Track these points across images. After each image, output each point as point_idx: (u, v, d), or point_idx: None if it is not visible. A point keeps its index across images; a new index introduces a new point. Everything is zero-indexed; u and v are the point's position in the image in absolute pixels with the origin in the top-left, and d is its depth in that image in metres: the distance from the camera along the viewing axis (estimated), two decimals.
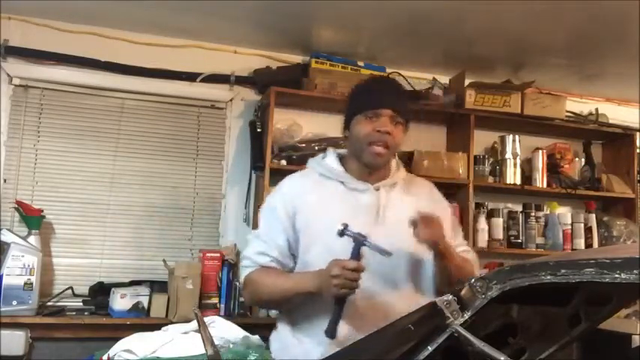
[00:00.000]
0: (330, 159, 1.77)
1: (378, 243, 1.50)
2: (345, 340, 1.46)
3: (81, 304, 2.98)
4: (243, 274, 1.73)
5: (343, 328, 1.52)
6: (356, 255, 1.49)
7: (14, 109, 3.08)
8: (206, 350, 1.28)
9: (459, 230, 1.89)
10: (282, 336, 1.70)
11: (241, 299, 3.00)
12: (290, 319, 1.69)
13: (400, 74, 3.57)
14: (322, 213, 1.65)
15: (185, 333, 2.24)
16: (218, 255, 3.05)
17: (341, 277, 1.45)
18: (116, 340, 2.21)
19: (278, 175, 3.15)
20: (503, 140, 3.63)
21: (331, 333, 1.48)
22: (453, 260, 1.63)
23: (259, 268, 1.68)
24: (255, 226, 3.21)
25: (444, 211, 1.78)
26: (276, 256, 1.67)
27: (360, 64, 3.41)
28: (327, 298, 1.50)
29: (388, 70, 3.50)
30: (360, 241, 1.49)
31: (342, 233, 1.51)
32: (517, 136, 3.62)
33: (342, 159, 1.77)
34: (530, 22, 2.90)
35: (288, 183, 1.78)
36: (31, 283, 2.73)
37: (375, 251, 1.50)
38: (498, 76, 3.61)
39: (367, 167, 1.69)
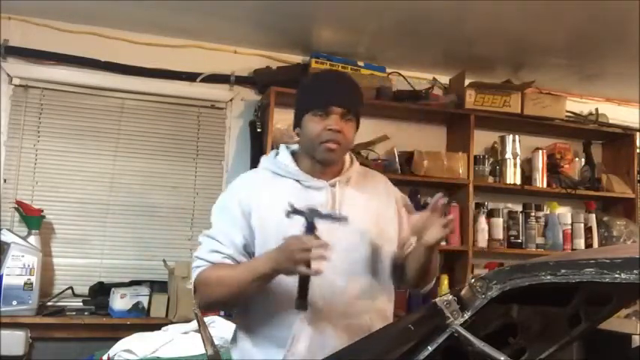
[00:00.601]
0: (283, 156, 1.73)
1: (336, 241, 1.48)
2: (308, 332, 1.49)
3: (81, 304, 2.99)
4: (194, 276, 1.63)
5: (303, 322, 1.51)
6: (310, 229, 1.46)
7: (14, 109, 3.08)
8: (206, 350, 1.28)
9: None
10: (243, 347, 1.64)
11: None
12: (247, 328, 1.64)
13: (400, 74, 3.58)
14: (276, 211, 1.57)
15: (185, 333, 2.24)
16: None
17: (295, 244, 1.42)
18: (116, 340, 2.21)
19: None
20: (503, 140, 3.63)
21: (302, 305, 1.45)
22: (436, 252, 1.63)
23: (210, 266, 1.61)
24: None
25: (397, 203, 1.76)
26: (231, 253, 1.61)
27: (360, 64, 3.41)
28: (288, 275, 1.46)
29: (388, 70, 3.51)
30: (312, 213, 1.47)
31: (292, 211, 1.47)
32: (517, 136, 3.62)
33: (294, 155, 1.74)
34: (530, 22, 2.90)
35: (241, 182, 1.74)
36: (31, 283, 2.74)
37: (329, 220, 1.48)
38: (498, 76, 3.61)
39: (320, 164, 1.67)
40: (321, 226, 1.50)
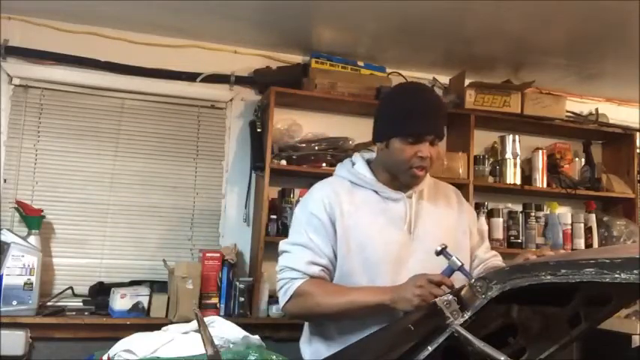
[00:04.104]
0: (360, 166, 1.75)
1: (414, 252, 1.56)
2: None
3: (81, 304, 2.98)
4: (292, 285, 1.63)
5: None
6: (448, 274, 1.48)
7: (14, 109, 3.08)
8: (206, 350, 1.28)
9: (485, 233, 1.89)
10: (317, 349, 1.68)
11: (241, 299, 3.00)
12: (323, 334, 1.68)
13: (400, 74, 3.58)
14: (359, 221, 1.64)
15: (185, 333, 2.23)
16: (218, 255, 3.04)
17: (425, 288, 1.41)
18: (116, 340, 2.20)
19: (278, 175, 3.17)
20: (503, 140, 3.63)
21: None
22: None
23: (311, 280, 1.62)
24: (256, 225, 3.22)
25: (470, 215, 1.81)
26: (326, 264, 1.64)
27: (360, 64, 3.41)
28: (399, 310, 1.47)
29: (388, 70, 3.51)
30: (457, 265, 1.48)
31: (439, 253, 1.49)
32: (517, 136, 3.62)
33: (369, 163, 1.76)
34: (530, 22, 2.89)
35: (326, 190, 1.73)
36: (31, 283, 2.73)
37: (464, 275, 1.48)
38: (498, 76, 3.61)
39: (403, 184, 1.69)
40: (399, 238, 1.58)
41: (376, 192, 1.70)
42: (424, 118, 1.63)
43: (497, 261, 1.80)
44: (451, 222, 1.74)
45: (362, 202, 1.67)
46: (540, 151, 3.66)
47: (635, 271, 0.94)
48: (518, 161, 3.59)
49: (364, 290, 1.57)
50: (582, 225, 3.65)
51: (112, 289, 2.92)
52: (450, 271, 1.47)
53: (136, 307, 2.84)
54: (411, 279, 1.47)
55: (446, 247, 1.49)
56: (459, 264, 1.47)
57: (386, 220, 1.66)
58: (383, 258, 1.60)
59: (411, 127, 1.62)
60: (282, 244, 1.73)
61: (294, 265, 1.65)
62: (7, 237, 2.78)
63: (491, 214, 3.52)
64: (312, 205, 1.70)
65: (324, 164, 3.22)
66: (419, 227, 1.67)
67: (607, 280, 0.97)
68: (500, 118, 3.53)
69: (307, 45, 3.34)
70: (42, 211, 2.94)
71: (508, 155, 3.58)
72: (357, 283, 1.61)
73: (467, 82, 3.47)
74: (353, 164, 1.78)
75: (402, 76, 3.57)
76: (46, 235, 3.01)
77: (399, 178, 1.68)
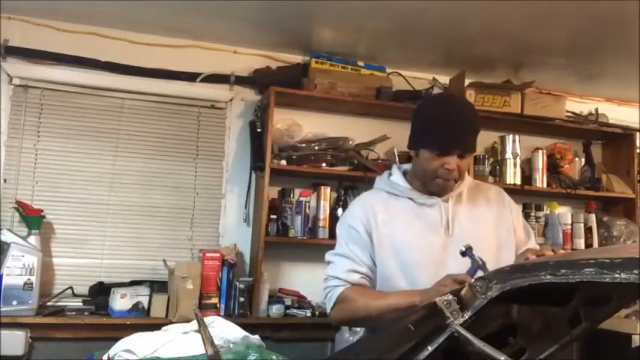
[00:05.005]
0: (396, 177, 1.81)
1: (451, 253, 1.59)
2: None
3: (81, 304, 2.98)
4: (334, 293, 1.72)
5: None
6: (471, 274, 1.52)
7: (14, 109, 3.08)
8: (206, 350, 1.28)
9: (530, 230, 1.90)
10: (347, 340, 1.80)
11: (241, 299, 3.00)
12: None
13: (400, 74, 3.58)
14: (395, 228, 1.71)
15: (185, 333, 2.23)
16: (218, 255, 3.05)
17: (449, 287, 1.44)
18: (116, 340, 2.20)
19: (278, 175, 3.17)
20: (503, 140, 3.63)
21: None
22: None
23: (352, 287, 1.70)
24: (256, 225, 3.22)
25: (512, 213, 1.81)
26: (365, 272, 1.72)
27: (360, 64, 3.42)
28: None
29: (388, 70, 3.51)
30: (478, 264, 1.51)
31: (463, 253, 1.54)
32: (517, 136, 3.62)
33: (405, 174, 1.82)
34: (530, 22, 2.90)
35: (361, 203, 1.82)
36: (31, 283, 2.73)
37: (483, 270, 1.52)
38: (498, 76, 3.61)
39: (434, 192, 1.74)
40: (436, 241, 1.64)
41: (412, 199, 1.75)
42: (452, 130, 1.64)
43: None
44: (490, 221, 1.76)
45: (398, 210, 1.74)
46: (540, 151, 3.66)
47: (635, 271, 0.94)
48: (518, 161, 3.59)
49: (399, 294, 1.63)
50: (582, 225, 3.65)
51: (112, 289, 2.92)
52: (473, 270, 1.51)
53: (136, 307, 2.85)
54: (439, 280, 1.51)
55: (470, 247, 1.53)
56: (480, 263, 1.50)
57: (423, 225, 1.71)
58: (420, 260, 1.65)
59: (437, 139, 1.65)
60: (327, 255, 1.83)
61: (335, 273, 1.74)
62: (7, 237, 2.78)
63: None
64: (350, 219, 1.79)
65: (324, 164, 3.22)
66: (457, 229, 1.70)
67: (607, 280, 0.97)
68: (500, 118, 3.53)
69: (307, 45, 3.34)
70: (42, 211, 2.95)
71: (508, 155, 3.58)
72: (397, 286, 1.67)
73: (467, 82, 3.47)
74: (390, 175, 1.84)
75: (402, 76, 3.57)
76: (46, 235, 3.01)
77: (428, 188, 1.73)
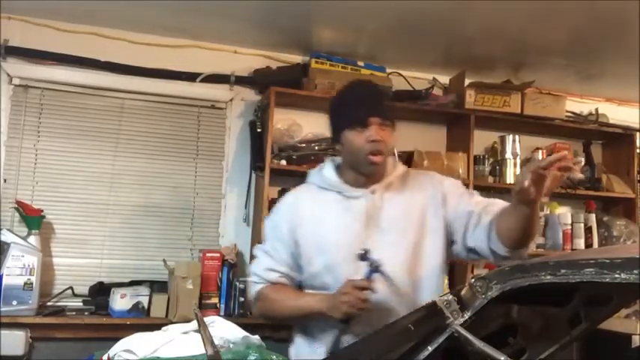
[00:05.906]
0: (327, 170, 1.80)
1: (376, 246, 1.57)
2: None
3: (81, 304, 2.98)
4: (253, 289, 1.77)
5: (344, 332, 1.57)
6: (369, 277, 1.53)
7: (14, 109, 3.08)
8: (206, 350, 1.28)
9: (474, 192, 1.82)
10: (300, 348, 1.75)
11: (241, 299, 3.00)
12: (304, 332, 1.74)
13: (400, 74, 3.58)
14: (320, 224, 1.70)
15: (185, 333, 2.23)
16: (218, 255, 3.05)
17: (350, 295, 1.49)
18: (116, 340, 2.20)
19: (278, 175, 3.17)
20: (503, 140, 3.63)
21: (345, 327, 1.55)
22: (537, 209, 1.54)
23: (270, 285, 1.73)
24: (256, 225, 3.22)
25: (447, 186, 1.76)
26: (285, 271, 1.72)
27: (360, 64, 3.41)
28: (334, 318, 1.54)
29: (388, 70, 3.51)
30: (374, 266, 1.53)
31: (362, 257, 1.55)
32: (517, 136, 3.62)
33: (338, 167, 1.80)
34: (530, 22, 2.90)
35: (288, 199, 1.83)
36: (31, 283, 2.73)
37: (384, 278, 1.55)
38: (498, 76, 3.61)
39: (366, 176, 1.72)
40: (360, 233, 1.63)
41: (340, 192, 1.74)
42: (364, 102, 1.70)
43: (494, 208, 1.67)
44: (419, 207, 1.72)
45: (326, 204, 1.73)
46: (540, 151, 3.66)
47: (635, 271, 0.94)
48: (518, 161, 3.58)
49: (311, 297, 1.67)
50: (582, 225, 3.64)
51: (112, 289, 2.92)
52: (370, 273, 1.52)
53: (136, 307, 2.85)
54: (340, 287, 1.53)
55: (366, 251, 1.55)
56: (377, 265, 1.52)
57: (349, 219, 1.69)
58: (344, 256, 1.63)
59: (354, 113, 1.68)
60: (254, 249, 1.85)
61: (256, 270, 1.77)
62: (7, 237, 2.78)
63: None
64: (276, 216, 1.81)
65: None
66: (383, 220, 1.69)
67: (607, 280, 0.97)
68: (500, 118, 3.53)
69: (307, 45, 3.34)
70: (42, 211, 2.95)
71: (508, 155, 3.58)
72: (323, 282, 1.67)
73: (467, 82, 3.47)
74: (322, 169, 1.83)
75: (402, 76, 3.57)
76: (46, 235, 3.01)
77: (361, 172, 1.71)
